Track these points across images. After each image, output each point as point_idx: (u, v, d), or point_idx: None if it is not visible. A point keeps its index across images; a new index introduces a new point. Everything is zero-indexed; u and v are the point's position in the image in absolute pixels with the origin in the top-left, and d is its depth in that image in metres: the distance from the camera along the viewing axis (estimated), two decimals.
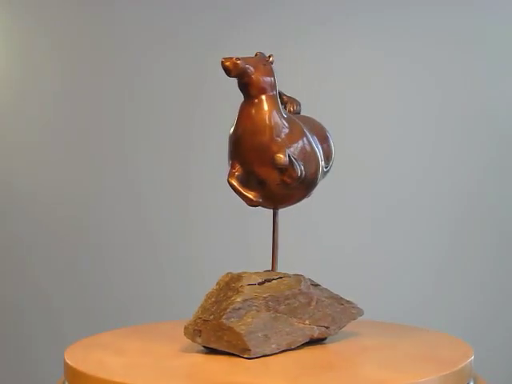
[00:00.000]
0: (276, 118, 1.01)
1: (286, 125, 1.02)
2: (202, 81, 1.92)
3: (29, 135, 1.97)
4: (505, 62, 2.03)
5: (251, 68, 1.01)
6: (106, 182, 1.98)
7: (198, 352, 1.00)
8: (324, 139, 1.10)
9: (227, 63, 1.00)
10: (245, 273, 1.03)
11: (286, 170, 1.00)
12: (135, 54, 1.98)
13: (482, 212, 2.02)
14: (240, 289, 0.98)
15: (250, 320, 0.96)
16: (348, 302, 1.06)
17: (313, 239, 1.96)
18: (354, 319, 1.06)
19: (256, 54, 1.05)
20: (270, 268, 1.10)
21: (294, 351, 0.99)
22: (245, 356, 0.94)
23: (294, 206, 1.10)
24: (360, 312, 1.07)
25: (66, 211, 1.96)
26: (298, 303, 1.00)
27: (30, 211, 1.95)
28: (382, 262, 1.99)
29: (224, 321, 0.95)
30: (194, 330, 0.98)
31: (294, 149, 1.01)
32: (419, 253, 2.00)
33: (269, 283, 1.01)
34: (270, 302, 0.98)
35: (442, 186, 2.01)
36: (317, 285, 1.06)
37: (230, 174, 1.02)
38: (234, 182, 1.02)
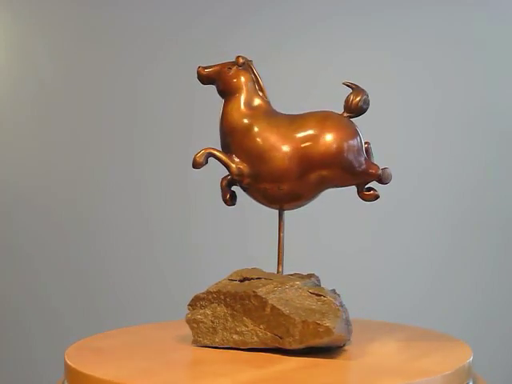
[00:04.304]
0: (228, 120, 1.07)
1: (242, 125, 1.06)
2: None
3: (28, 135, 1.97)
4: (504, 61, 2.03)
5: (213, 74, 1.10)
6: (107, 182, 1.98)
7: (199, 351, 1.00)
8: (340, 139, 1.03)
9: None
10: (242, 269, 1.07)
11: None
12: (136, 53, 1.98)
13: (481, 212, 2.02)
14: (219, 282, 1.04)
15: (201, 311, 1.02)
16: (321, 319, 0.94)
17: (315, 240, 1.96)
18: (321, 338, 0.94)
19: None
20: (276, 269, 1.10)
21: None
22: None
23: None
24: (329, 333, 0.93)
25: (66, 211, 1.96)
26: (252, 305, 0.99)
27: (30, 211, 1.96)
28: (382, 261, 1.99)
29: (187, 306, 1.04)
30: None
31: (239, 147, 1.06)
32: (419, 253, 2.00)
33: (248, 281, 1.03)
34: (227, 299, 1.01)
35: (442, 186, 2.01)
36: (318, 295, 0.99)
37: (224, 176, 1.10)
38: (222, 183, 1.10)
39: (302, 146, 1.03)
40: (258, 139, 1.05)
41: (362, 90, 1.08)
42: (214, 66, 1.11)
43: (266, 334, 0.98)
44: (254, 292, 0.99)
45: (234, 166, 1.05)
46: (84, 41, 1.98)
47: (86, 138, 1.97)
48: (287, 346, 0.96)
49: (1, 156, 1.97)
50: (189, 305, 1.03)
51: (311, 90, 1.92)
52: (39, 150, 1.97)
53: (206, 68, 1.11)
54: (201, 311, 1.02)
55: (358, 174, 1.05)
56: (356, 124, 1.06)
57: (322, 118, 1.05)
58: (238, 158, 1.06)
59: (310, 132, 1.04)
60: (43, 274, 1.95)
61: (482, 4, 2.03)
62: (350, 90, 1.07)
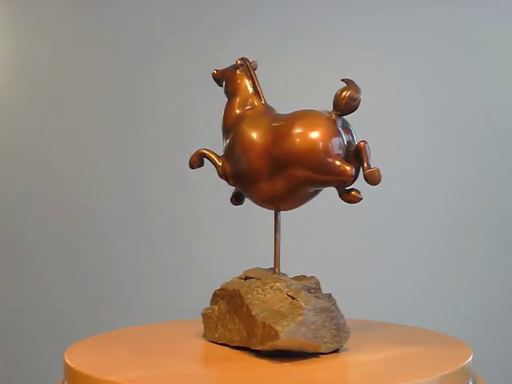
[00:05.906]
0: (224, 121, 1.10)
1: (232, 126, 1.07)
2: (202, 81, 1.92)
3: (28, 135, 1.97)
4: (504, 61, 2.03)
5: (220, 76, 1.14)
6: (107, 182, 1.98)
7: (199, 352, 1.00)
8: (308, 138, 0.97)
9: None
10: (253, 268, 1.08)
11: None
12: (136, 53, 1.98)
13: (481, 212, 2.02)
14: (230, 280, 1.07)
15: (212, 306, 1.07)
16: (275, 322, 0.91)
17: (315, 240, 1.96)
18: (271, 341, 0.91)
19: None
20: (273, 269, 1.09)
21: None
22: None
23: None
24: (276, 337, 0.90)
25: (66, 212, 1.96)
26: (238, 304, 1.00)
27: (31, 211, 1.95)
28: (383, 261, 1.99)
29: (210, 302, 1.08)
30: None
31: (228, 148, 1.07)
32: (419, 252, 2.00)
33: (248, 279, 1.04)
34: (227, 297, 1.04)
35: (442, 186, 2.01)
36: (293, 297, 0.96)
37: None
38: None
39: (272, 145, 1.00)
40: (239, 140, 1.05)
41: (354, 86, 1.01)
42: (225, 68, 1.13)
43: (243, 333, 0.98)
44: (238, 291, 1.00)
45: (219, 166, 1.07)
46: (84, 41, 1.98)
47: (86, 137, 1.97)
48: (252, 347, 0.95)
49: (1, 156, 1.96)
50: (211, 300, 1.07)
51: (311, 90, 1.92)
52: (39, 150, 1.96)
53: (217, 70, 1.14)
54: (211, 307, 1.06)
55: (327, 174, 0.97)
56: (338, 123, 0.99)
57: (296, 117, 1.00)
58: (227, 158, 1.07)
59: (281, 131, 1.00)
60: (44, 274, 1.95)
61: (482, 4, 2.03)
62: None
